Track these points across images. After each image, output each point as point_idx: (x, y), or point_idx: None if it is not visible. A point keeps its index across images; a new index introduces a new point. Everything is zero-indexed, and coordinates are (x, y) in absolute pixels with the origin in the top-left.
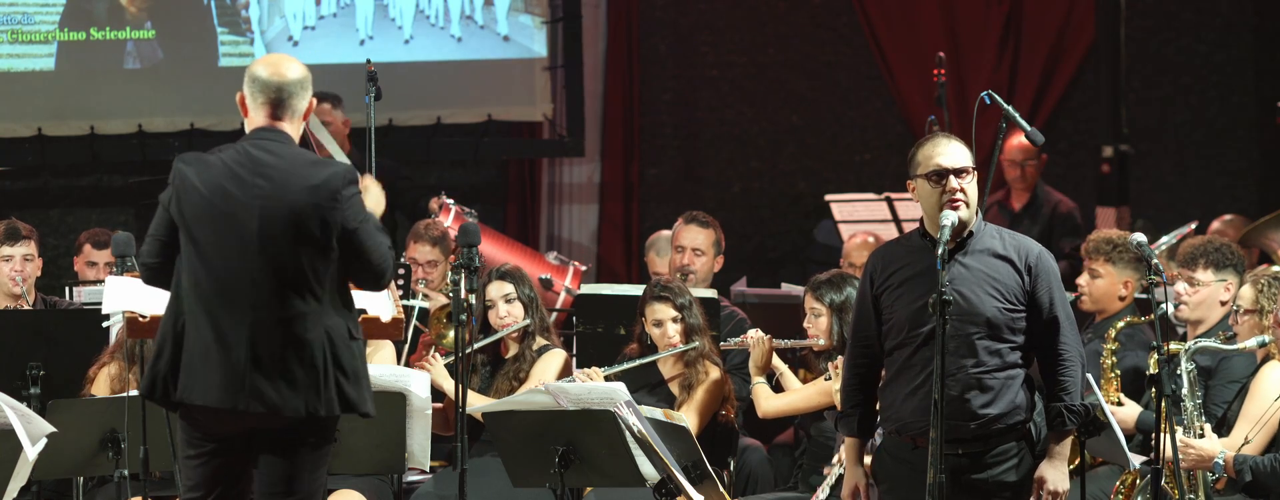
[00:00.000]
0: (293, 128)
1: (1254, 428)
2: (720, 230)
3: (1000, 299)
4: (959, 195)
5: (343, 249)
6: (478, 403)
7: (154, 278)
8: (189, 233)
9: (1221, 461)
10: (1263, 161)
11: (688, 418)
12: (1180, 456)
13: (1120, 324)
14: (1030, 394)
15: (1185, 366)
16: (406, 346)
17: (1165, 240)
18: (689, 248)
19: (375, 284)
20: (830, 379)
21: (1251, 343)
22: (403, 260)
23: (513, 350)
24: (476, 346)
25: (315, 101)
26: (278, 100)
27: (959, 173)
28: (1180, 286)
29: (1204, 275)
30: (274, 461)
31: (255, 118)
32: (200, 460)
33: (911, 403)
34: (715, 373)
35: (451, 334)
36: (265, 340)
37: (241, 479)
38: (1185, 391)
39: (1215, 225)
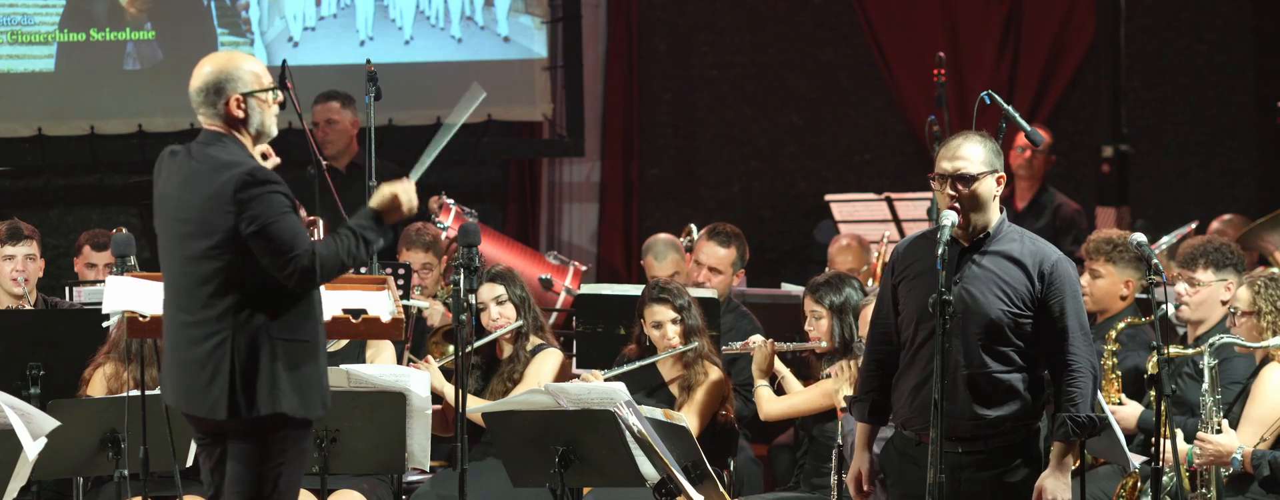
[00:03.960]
0: (217, 123)
1: (1266, 430)
2: (744, 244)
3: (1006, 302)
4: (954, 202)
5: (253, 250)
6: (475, 405)
7: None
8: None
9: (1239, 457)
10: (1263, 161)
11: (689, 419)
12: (1196, 450)
13: (1121, 325)
14: (1035, 397)
15: (1207, 362)
16: (408, 347)
17: (1166, 240)
18: (706, 265)
19: (296, 283)
20: (829, 377)
21: (1276, 341)
22: (402, 261)
23: (507, 351)
24: (471, 349)
25: (323, 101)
26: (197, 103)
27: (959, 179)
28: (1181, 287)
29: (1204, 275)
30: (229, 463)
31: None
32: (200, 455)
33: (915, 399)
34: (715, 373)
35: (451, 347)
36: (178, 342)
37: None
38: (1206, 386)
39: (1215, 225)
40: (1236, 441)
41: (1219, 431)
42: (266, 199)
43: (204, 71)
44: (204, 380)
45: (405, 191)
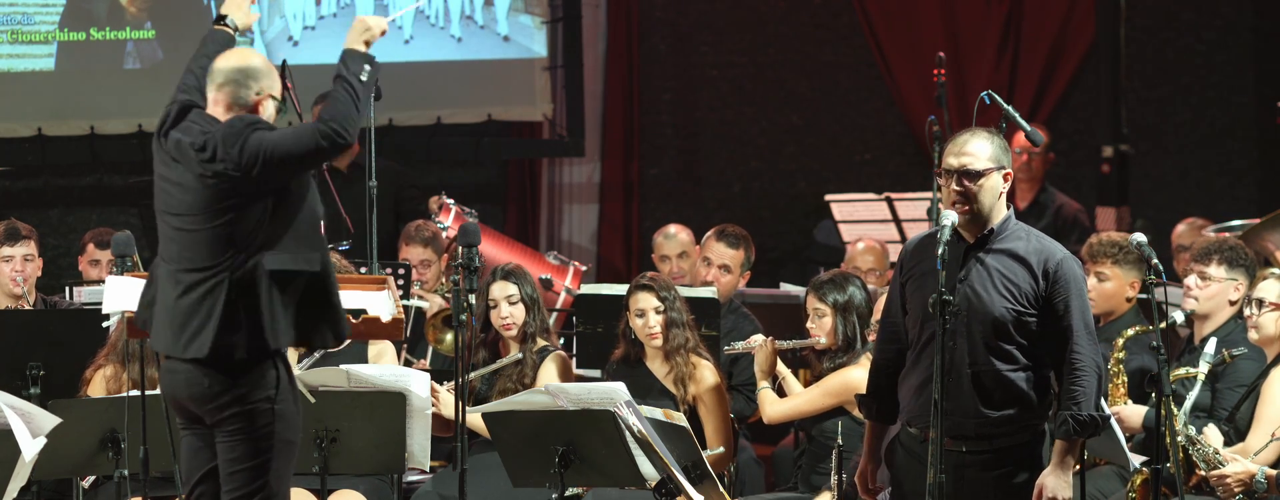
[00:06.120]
0: (220, 111)
1: (1278, 428)
2: (751, 246)
3: (1010, 299)
4: (960, 198)
5: (275, 173)
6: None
7: None
8: None
9: (1263, 480)
10: (1263, 161)
11: (715, 424)
12: (1220, 491)
13: (1130, 332)
14: (1041, 397)
15: (1183, 425)
16: (407, 344)
17: (1236, 226)
18: (716, 264)
19: (332, 153)
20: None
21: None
22: (402, 259)
23: (513, 351)
24: (477, 375)
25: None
26: (222, 81)
27: (965, 175)
28: (1191, 280)
29: (1217, 271)
30: (218, 461)
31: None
32: (182, 441)
33: (920, 397)
34: (711, 374)
35: (449, 337)
36: (173, 292)
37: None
38: (1195, 434)
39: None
40: (1251, 465)
41: (1222, 461)
42: (256, 138)
43: (249, 57)
44: (196, 325)
45: (365, 18)
